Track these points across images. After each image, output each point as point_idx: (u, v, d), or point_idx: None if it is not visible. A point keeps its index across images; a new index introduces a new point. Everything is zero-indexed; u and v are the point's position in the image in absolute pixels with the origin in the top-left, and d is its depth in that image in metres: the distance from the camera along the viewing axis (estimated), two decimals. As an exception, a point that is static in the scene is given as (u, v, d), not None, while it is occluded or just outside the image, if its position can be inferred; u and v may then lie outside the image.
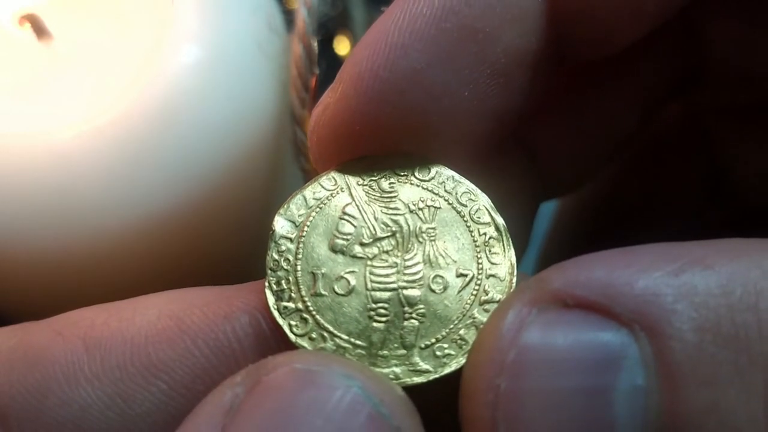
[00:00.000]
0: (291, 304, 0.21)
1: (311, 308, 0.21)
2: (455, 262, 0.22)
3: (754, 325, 0.17)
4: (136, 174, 0.30)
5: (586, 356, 0.18)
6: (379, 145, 0.23)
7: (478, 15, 0.22)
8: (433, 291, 0.22)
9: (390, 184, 0.23)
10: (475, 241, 0.22)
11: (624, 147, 0.31)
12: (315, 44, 0.33)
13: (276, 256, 0.22)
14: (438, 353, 0.21)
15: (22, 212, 0.29)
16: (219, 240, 0.34)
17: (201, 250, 0.33)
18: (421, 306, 0.21)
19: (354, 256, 0.22)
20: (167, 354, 0.21)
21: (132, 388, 0.20)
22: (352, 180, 0.23)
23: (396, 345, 0.21)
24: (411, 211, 0.23)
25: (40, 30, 0.32)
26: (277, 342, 0.21)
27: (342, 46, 0.46)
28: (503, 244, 0.22)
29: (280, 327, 0.21)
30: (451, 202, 0.23)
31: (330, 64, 0.36)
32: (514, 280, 0.22)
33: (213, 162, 0.31)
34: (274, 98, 0.34)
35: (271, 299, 0.21)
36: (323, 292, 0.21)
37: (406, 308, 0.21)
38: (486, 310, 0.22)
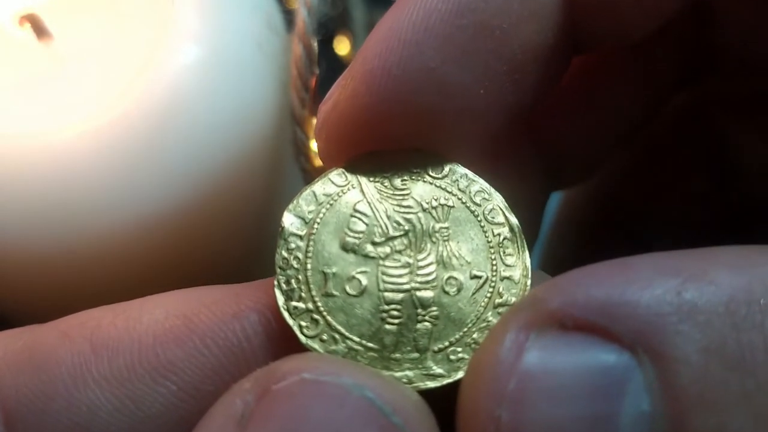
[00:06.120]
0: (301, 304, 0.21)
1: (322, 309, 0.21)
2: (469, 263, 0.22)
3: (761, 345, 0.17)
4: (137, 174, 0.30)
5: (589, 382, 0.17)
6: (391, 143, 0.22)
7: (495, 11, 0.22)
8: (446, 293, 0.21)
9: (402, 181, 0.22)
10: (489, 242, 0.22)
11: (631, 138, 0.31)
12: (315, 44, 0.33)
13: (285, 254, 0.21)
14: (452, 357, 0.21)
15: (22, 212, 0.29)
16: (219, 240, 0.34)
17: (201, 250, 0.33)
18: (435, 308, 0.21)
19: (366, 256, 0.21)
20: (176, 354, 0.20)
21: (141, 389, 0.20)
22: (363, 176, 0.22)
23: (409, 348, 0.21)
24: (424, 210, 0.22)
25: (40, 30, 0.32)
26: (287, 341, 0.20)
27: (342, 46, 0.46)
28: (517, 245, 0.22)
29: (290, 328, 0.20)
30: (464, 201, 0.22)
31: (330, 64, 0.36)
32: (529, 282, 0.22)
33: (213, 162, 0.31)
34: (274, 98, 0.34)
35: (280, 299, 0.21)
36: (334, 293, 0.21)
37: (419, 310, 0.21)
38: (500, 314, 0.21)
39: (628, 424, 0.17)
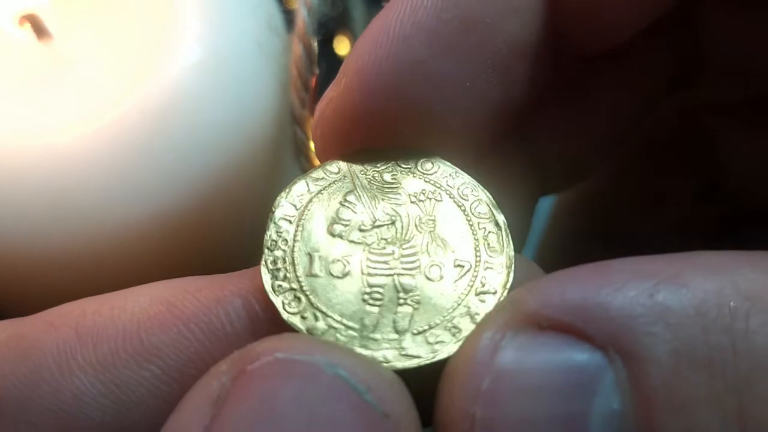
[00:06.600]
0: (285, 284, 0.21)
1: (305, 288, 0.21)
2: (453, 252, 0.22)
3: (729, 347, 0.17)
4: (136, 174, 0.30)
5: (561, 381, 0.18)
6: (383, 137, 0.23)
7: (479, 5, 0.23)
8: (429, 279, 0.21)
9: (393, 175, 0.23)
10: (474, 234, 0.22)
11: (622, 143, 0.31)
12: (315, 44, 0.33)
13: (274, 236, 0.22)
14: (430, 340, 0.21)
15: (22, 212, 0.29)
16: (219, 240, 0.34)
17: (201, 250, 0.33)
18: (417, 293, 0.21)
19: (352, 242, 0.22)
20: (160, 339, 0.20)
21: (125, 374, 0.20)
22: (356, 168, 0.23)
23: (388, 329, 0.21)
24: (412, 202, 0.23)
25: (40, 30, 0.32)
26: (270, 324, 0.21)
27: (342, 46, 0.46)
28: (502, 239, 0.22)
29: (272, 305, 0.21)
30: (452, 195, 0.23)
31: (330, 64, 0.36)
32: (512, 274, 0.22)
33: (213, 162, 0.31)
34: (274, 98, 0.34)
35: (266, 277, 0.21)
36: (319, 274, 0.21)
37: (401, 294, 0.21)
38: (482, 301, 0.21)
39: (599, 422, 0.17)
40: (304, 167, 0.35)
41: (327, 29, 0.34)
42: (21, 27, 0.32)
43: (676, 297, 0.17)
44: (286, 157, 0.36)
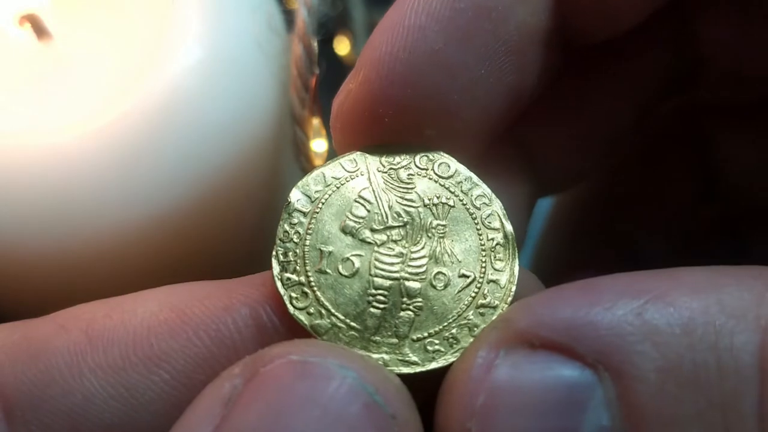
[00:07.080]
0: (294, 277, 0.22)
1: (313, 284, 0.22)
2: (460, 262, 0.22)
3: (714, 365, 0.17)
4: (137, 174, 0.30)
5: (553, 398, 0.18)
6: (401, 128, 0.23)
7: None
8: (433, 287, 0.22)
9: (409, 175, 0.23)
10: (482, 245, 0.23)
11: (620, 145, 0.32)
12: (315, 44, 0.33)
13: (287, 228, 0.22)
14: (428, 348, 0.21)
15: (22, 212, 0.29)
16: (219, 240, 0.34)
17: (201, 250, 0.33)
18: (420, 299, 0.22)
19: (362, 240, 0.22)
20: (169, 344, 0.21)
21: (134, 378, 0.21)
22: (373, 165, 0.23)
23: (389, 333, 0.21)
24: (425, 206, 0.23)
25: (40, 30, 0.32)
26: (277, 333, 0.21)
27: (342, 46, 0.46)
28: (509, 252, 0.23)
29: (280, 297, 0.21)
30: (465, 203, 0.23)
31: (330, 64, 0.36)
32: (514, 288, 0.22)
33: (213, 162, 0.31)
34: (274, 98, 0.34)
35: (276, 268, 0.22)
36: (327, 270, 0.22)
37: (405, 299, 0.22)
38: (481, 314, 0.22)
39: None
40: (304, 167, 0.35)
41: (327, 29, 0.34)
42: (21, 27, 0.32)
43: (663, 316, 0.18)
44: (286, 157, 0.36)
